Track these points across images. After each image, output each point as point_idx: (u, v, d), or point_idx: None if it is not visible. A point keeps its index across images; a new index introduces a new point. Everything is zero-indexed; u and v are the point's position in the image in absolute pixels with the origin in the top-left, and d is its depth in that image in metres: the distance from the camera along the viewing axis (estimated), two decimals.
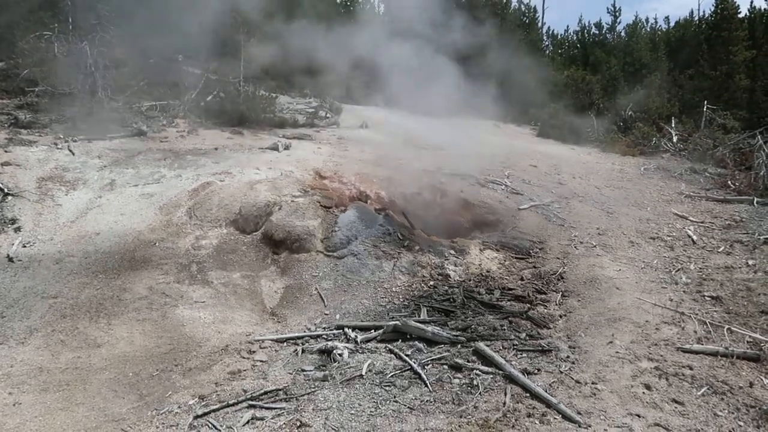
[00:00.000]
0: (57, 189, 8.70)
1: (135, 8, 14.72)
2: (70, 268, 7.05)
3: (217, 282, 7.12)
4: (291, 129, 14.28)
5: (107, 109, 12.23)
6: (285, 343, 5.99)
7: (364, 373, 5.19)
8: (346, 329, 6.15)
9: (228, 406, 4.76)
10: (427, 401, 4.77)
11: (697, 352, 5.60)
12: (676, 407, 4.72)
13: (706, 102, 18.78)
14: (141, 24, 14.50)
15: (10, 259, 7.07)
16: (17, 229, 7.70)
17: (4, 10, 14.31)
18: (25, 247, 7.40)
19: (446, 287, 7.24)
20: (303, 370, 5.36)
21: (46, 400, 4.94)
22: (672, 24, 28.47)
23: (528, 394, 4.84)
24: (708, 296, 6.86)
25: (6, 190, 8.29)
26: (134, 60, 14.32)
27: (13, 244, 7.35)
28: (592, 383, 5.04)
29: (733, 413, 4.66)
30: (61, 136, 10.62)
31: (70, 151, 9.98)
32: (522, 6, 29.06)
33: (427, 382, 5.05)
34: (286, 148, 11.76)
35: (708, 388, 4.99)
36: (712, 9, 23.29)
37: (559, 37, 31.72)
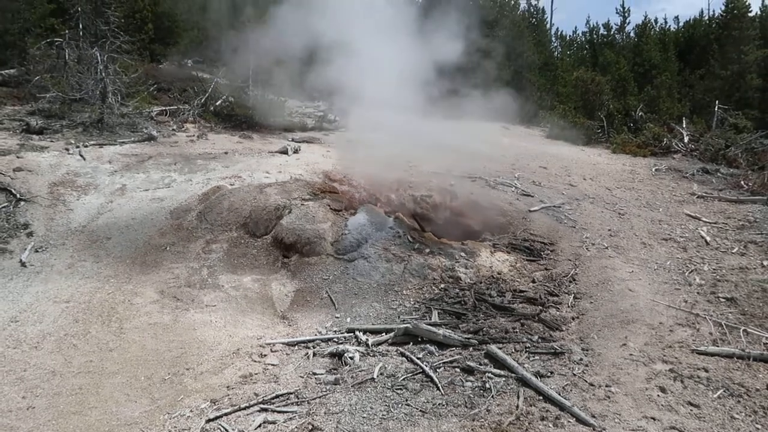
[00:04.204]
0: (68, 194, 8.76)
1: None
2: (82, 273, 7.10)
3: (227, 286, 7.13)
4: (300, 132, 14.34)
5: (117, 114, 12.33)
6: (296, 347, 5.98)
7: (375, 377, 5.17)
8: (357, 332, 6.13)
9: (240, 409, 4.75)
10: (439, 404, 4.74)
11: (712, 354, 5.53)
12: (691, 410, 4.66)
13: (717, 102, 18.63)
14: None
15: (23, 264, 7.13)
16: (29, 234, 7.75)
17: (15, 18, 14.49)
18: (37, 251, 7.45)
19: (457, 290, 7.20)
20: (314, 374, 5.35)
21: (59, 404, 4.96)
22: (681, 24, 28.29)
23: (541, 397, 4.80)
24: (722, 297, 6.78)
25: (18, 196, 8.36)
26: (144, 65, 14.42)
27: (25, 249, 7.40)
28: (606, 386, 4.99)
29: (750, 416, 4.60)
30: (73, 142, 10.72)
31: (81, 156, 10.05)
32: (530, 7, 29.04)
33: (439, 385, 5.02)
34: (296, 151, 11.80)
35: (724, 391, 4.93)
36: (723, 8, 23.13)
37: (567, 38, 31.64)
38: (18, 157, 9.51)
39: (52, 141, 10.70)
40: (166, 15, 19.43)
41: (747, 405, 4.74)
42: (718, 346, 5.66)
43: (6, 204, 8.16)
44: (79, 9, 13.45)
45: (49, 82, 12.54)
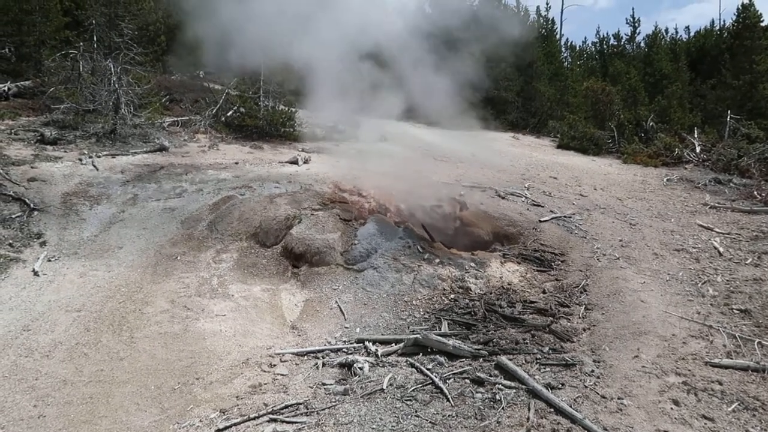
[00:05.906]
0: (81, 204, 8.84)
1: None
2: (93, 282, 7.14)
3: (237, 295, 7.14)
4: (310, 143, 14.40)
5: (130, 125, 12.47)
6: (305, 357, 5.97)
7: (385, 387, 5.14)
8: (366, 343, 6.11)
9: (249, 419, 4.74)
10: (449, 416, 4.70)
11: (726, 367, 5.45)
12: (706, 423, 4.59)
13: (729, 112, 18.52)
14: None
15: (36, 273, 7.18)
16: (42, 244, 7.82)
17: (31, 30, 14.74)
18: (50, 261, 7.51)
19: (467, 300, 7.17)
20: (324, 384, 5.33)
21: (69, 413, 4.98)
22: (692, 34, 28.25)
23: (552, 410, 4.74)
24: (736, 309, 6.69)
25: (32, 205, 8.45)
26: (157, 76, 14.57)
27: (38, 258, 7.46)
28: (618, 398, 4.93)
29: (765, 430, 4.52)
30: (86, 152, 10.84)
31: (94, 166, 10.16)
32: (540, 18, 29.11)
33: (449, 396, 4.98)
34: (306, 161, 11.85)
35: (739, 404, 4.85)
36: (734, 18, 23.07)
37: (577, 48, 31.68)
38: (32, 167, 9.63)
39: (65, 151, 10.83)
40: (178, 27, 19.65)
41: (762, 419, 4.66)
42: (732, 359, 5.59)
43: (20, 213, 8.25)
44: (94, 21, 13.66)
45: (63, 94, 12.72)
